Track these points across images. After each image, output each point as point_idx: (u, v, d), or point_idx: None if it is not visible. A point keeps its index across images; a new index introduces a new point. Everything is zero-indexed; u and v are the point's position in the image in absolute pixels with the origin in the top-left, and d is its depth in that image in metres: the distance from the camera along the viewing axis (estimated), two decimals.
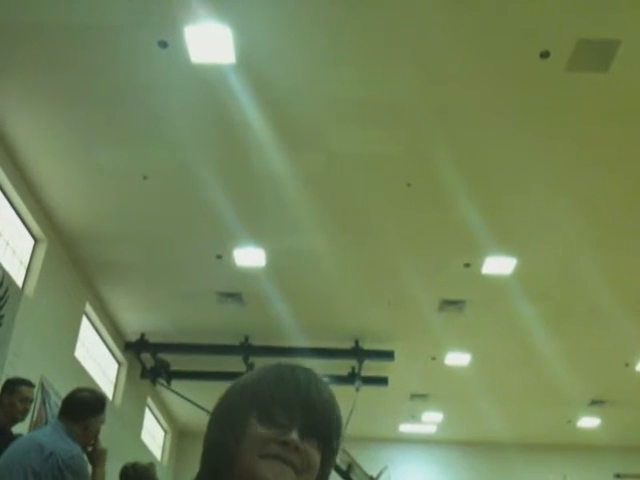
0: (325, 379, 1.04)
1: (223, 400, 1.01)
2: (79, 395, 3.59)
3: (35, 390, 4.59)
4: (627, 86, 6.57)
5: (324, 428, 0.96)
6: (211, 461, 0.97)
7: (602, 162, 7.57)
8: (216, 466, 0.96)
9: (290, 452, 0.92)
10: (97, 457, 3.61)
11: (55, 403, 9.15)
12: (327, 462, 0.98)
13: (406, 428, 16.15)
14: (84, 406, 3.51)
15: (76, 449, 3.33)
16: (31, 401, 4.56)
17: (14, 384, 4.48)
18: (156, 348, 12.11)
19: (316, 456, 0.95)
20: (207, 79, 6.62)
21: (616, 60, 6.23)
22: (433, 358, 12.42)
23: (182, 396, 12.80)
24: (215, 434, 0.98)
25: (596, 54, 6.21)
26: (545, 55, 6.24)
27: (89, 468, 3.49)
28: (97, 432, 3.57)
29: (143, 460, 5.17)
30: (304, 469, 0.93)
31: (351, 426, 11.68)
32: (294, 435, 0.92)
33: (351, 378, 12.31)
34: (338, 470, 10.63)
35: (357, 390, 12.21)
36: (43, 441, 3.27)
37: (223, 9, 5.91)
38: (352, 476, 10.95)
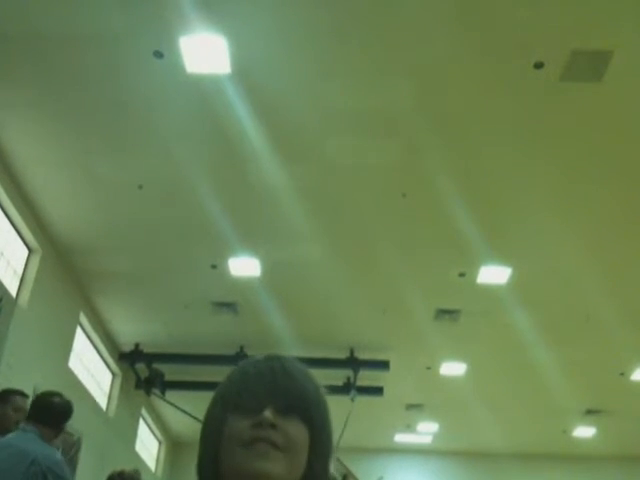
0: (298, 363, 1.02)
1: (204, 416, 1.01)
2: (51, 400, 3.59)
3: (28, 401, 4.56)
4: (620, 96, 6.61)
5: (299, 402, 0.94)
6: (204, 476, 0.96)
7: (596, 171, 7.60)
8: (209, 477, 0.95)
9: (267, 431, 0.90)
10: None
11: None
12: (318, 441, 0.96)
13: (401, 438, 16.12)
14: (58, 411, 3.51)
15: (58, 454, 3.34)
16: (25, 411, 4.53)
17: (8, 394, 4.45)
18: (150, 358, 12.06)
19: (300, 433, 0.93)
20: (202, 89, 6.63)
21: (609, 70, 6.28)
22: (428, 368, 12.41)
23: (177, 407, 12.75)
24: (201, 450, 0.98)
25: (589, 65, 6.25)
26: (539, 66, 6.28)
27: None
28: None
29: None
30: (288, 447, 0.91)
31: (346, 436, 11.66)
32: (267, 413, 0.91)
33: (346, 388, 12.28)
34: None
35: (352, 400, 12.18)
36: (24, 447, 3.25)
37: (218, 19, 5.93)
38: None
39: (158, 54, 6.24)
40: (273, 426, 0.91)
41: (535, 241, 8.75)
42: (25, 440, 3.36)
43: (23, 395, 4.52)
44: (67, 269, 9.67)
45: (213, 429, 0.96)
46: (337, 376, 11.97)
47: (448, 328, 10.83)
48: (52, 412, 3.49)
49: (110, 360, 12.06)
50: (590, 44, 6.07)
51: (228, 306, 10.54)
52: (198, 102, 6.82)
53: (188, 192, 8.03)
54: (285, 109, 6.92)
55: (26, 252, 8.88)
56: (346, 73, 6.49)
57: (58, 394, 3.74)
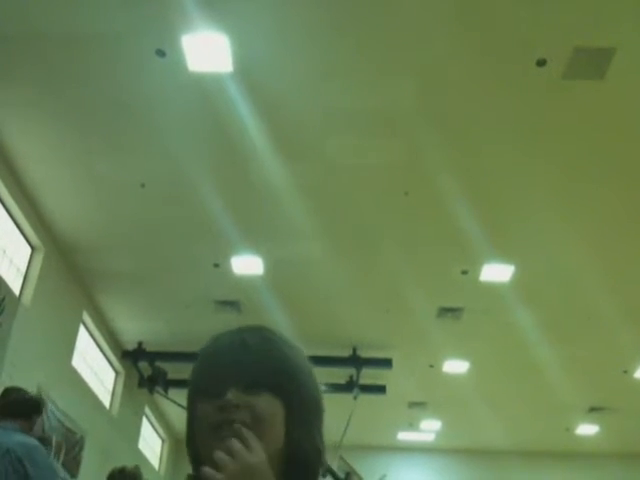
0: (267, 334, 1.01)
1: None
2: (20, 394, 3.65)
3: None
4: (622, 93, 6.60)
5: (264, 375, 0.94)
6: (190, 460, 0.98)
7: (599, 169, 7.59)
8: (194, 466, 0.96)
9: (231, 412, 0.90)
10: None
11: (52, 413, 9.12)
12: (296, 408, 0.94)
13: (404, 436, 16.11)
14: (28, 404, 3.56)
15: (34, 441, 3.38)
16: None
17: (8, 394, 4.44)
18: (153, 357, 12.08)
19: (269, 406, 0.92)
20: (205, 87, 6.63)
21: (612, 68, 6.27)
22: (431, 366, 12.40)
23: (180, 405, 12.74)
24: (186, 435, 0.99)
25: (592, 62, 6.24)
26: (542, 63, 6.27)
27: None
28: (42, 432, 3.63)
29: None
30: (257, 421, 0.90)
31: (349, 434, 11.67)
32: (229, 395, 0.91)
33: (349, 386, 12.29)
34: (336, 478, 10.59)
35: (355, 398, 12.19)
36: None
37: (220, 18, 5.93)
38: None
39: (160, 53, 6.25)
40: (237, 406, 0.90)
41: (538, 239, 8.74)
42: (0, 434, 3.40)
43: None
44: (70, 267, 9.68)
45: (188, 414, 0.97)
46: (340, 374, 11.98)
47: (451, 326, 10.83)
48: (21, 405, 3.54)
49: (113, 358, 12.08)
50: (593, 41, 6.06)
51: (231, 304, 10.55)
52: (200, 101, 6.83)
53: (190, 190, 8.04)
54: (287, 108, 6.92)
55: (29, 250, 8.89)
56: (347, 72, 6.49)
57: (24, 390, 3.79)
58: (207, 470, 0.84)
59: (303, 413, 0.96)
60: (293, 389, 0.95)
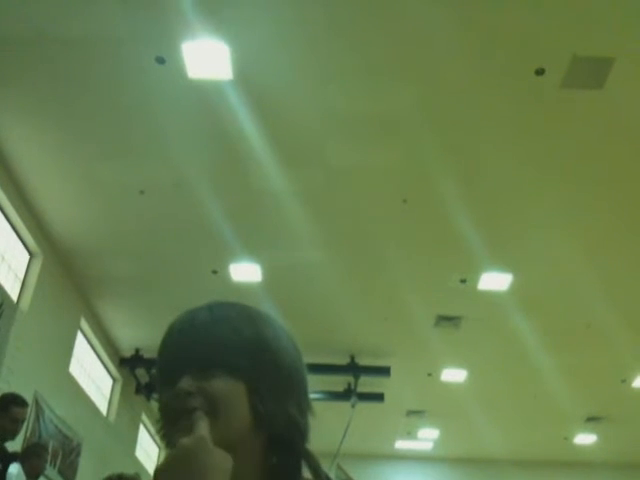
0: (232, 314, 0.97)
1: None
2: None
3: (29, 406, 4.52)
4: (621, 103, 6.61)
5: (216, 355, 0.90)
6: None
7: (598, 178, 7.60)
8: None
9: (185, 400, 0.87)
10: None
11: (49, 419, 9.09)
12: (261, 382, 0.90)
13: (402, 445, 16.07)
14: None
15: None
16: (22, 421, 4.44)
17: (6, 403, 4.38)
18: (151, 363, 12.02)
19: (224, 386, 0.88)
20: (204, 94, 6.64)
21: (611, 77, 6.28)
22: (429, 374, 12.39)
23: None
24: None
25: (591, 71, 6.25)
26: (540, 72, 6.29)
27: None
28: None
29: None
30: (212, 404, 0.87)
31: (347, 442, 11.64)
32: (181, 383, 0.88)
33: (347, 394, 12.26)
34: None
35: (353, 406, 12.15)
36: None
37: (220, 25, 5.94)
38: None
39: (160, 60, 6.26)
40: (189, 394, 0.87)
41: (536, 247, 8.74)
42: None
43: (22, 405, 4.43)
44: (68, 274, 9.67)
45: (159, 403, 0.94)
46: (338, 382, 11.96)
47: (449, 334, 10.81)
48: None
49: (110, 365, 12.04)
50: (592, 51, 6.08)
51: None
52: (200, 108, 6.84)
53: (189, 197, 8.04)
54: (286, 114, 6.93)
55: (27, 257, 8.88)
56: (347, 79, 6.51)
57: None
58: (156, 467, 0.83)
59: (270, 388, 0.91)
60: (252, 365, 0.90)
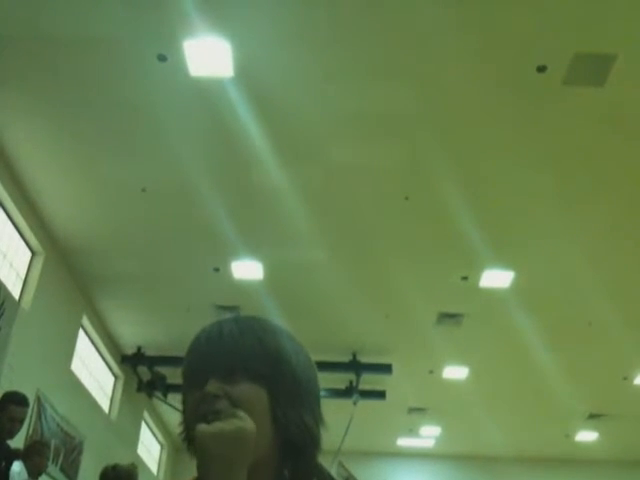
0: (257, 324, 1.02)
1: None
2: None
3: (31, 404, 4.48)
4: (623, 100, 6.60)
5: (241, 363, 0.96)
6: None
7: (599, 175, 7.59)
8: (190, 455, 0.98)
9: (212, 403, 0.92)
10: None
11: (51, 417, 9.11)
12: (281, 391, 0.96)
13: (404, 442, 16.09)
14: None
15: None
16: (21, 421, 4.39)
17: (5, 401, 4.35)
18: (153, 361, 12.06)
19: (248, 392, 0.94)
20: (206, 92, 6.64)
21: (612, 74, 6.27)
22: (431, 371, 12.39)
23: (179, 409, 12.71)
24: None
25: (592, 68, 6.24)
26: (542, 69, 6.28)
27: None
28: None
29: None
30: (239, 406, 0.92)
31: (349, 440, 11.64)
32: (209, 386, 0.94)
33: (349, 392, 12.27)
34: None
35: (355, 404, 12.16)
36: None
37: (222, 23, 5.94)
38: None
39: (162, 57, 6.26)
40: (216, 397, 0.93)
41: (538, 245, 8.74)
42: None
43: (21, 404, 4.39)
44: (70, 272, 9.68)
45: (182, 406, 1.00)
46: (340, 380, 11.97)
47: (451, 332, 10.81)
48: None
49: (112, 363, 12.06)
50: (593, 48, 6.07)
51: (231, 309, 10.53)
52: (201, 105, 6.83)
53: (191, 195, 8.04)
54: (288, 112, 6.92)
55: (29, 255, 8.89)
56: (349, 76, 6.50)
57: None
58: (199, 425, 0.88)
59: (288, 396, 0.97)
60: (273, 373, 0.97)
